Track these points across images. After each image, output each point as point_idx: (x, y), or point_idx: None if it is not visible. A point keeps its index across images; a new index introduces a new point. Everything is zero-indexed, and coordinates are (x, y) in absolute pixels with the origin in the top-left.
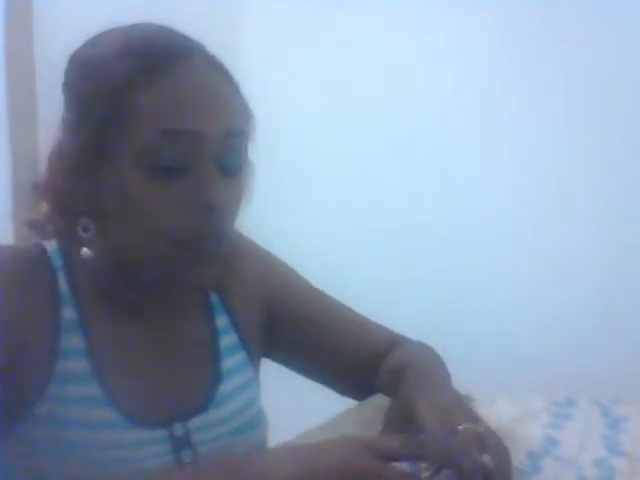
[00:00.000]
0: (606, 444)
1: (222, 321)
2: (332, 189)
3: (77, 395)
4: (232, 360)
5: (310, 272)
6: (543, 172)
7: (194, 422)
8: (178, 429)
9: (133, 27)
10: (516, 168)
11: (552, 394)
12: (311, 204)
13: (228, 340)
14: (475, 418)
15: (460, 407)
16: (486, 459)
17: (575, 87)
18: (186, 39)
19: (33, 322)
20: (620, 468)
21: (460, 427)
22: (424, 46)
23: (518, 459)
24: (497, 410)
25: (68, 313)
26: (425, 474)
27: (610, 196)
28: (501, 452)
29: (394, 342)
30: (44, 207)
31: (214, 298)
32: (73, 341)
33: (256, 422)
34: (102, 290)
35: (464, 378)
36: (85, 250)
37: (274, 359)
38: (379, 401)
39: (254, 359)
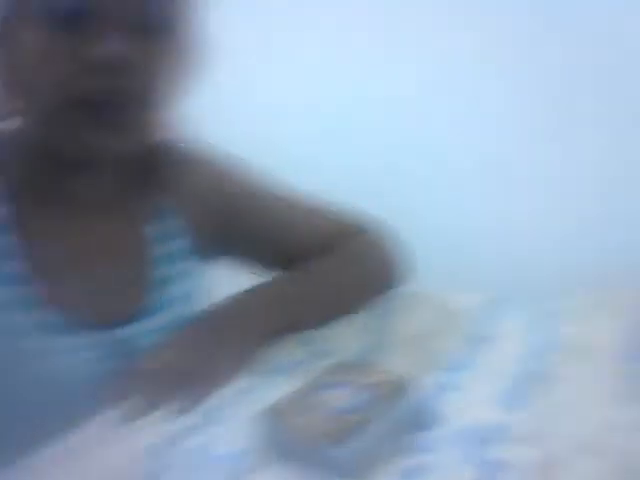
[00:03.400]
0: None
1: (172, 224)
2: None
3: (3, 298)
4: (179, 265)
5: None
6: (543, 172)
7: (133, 328)
8: (116, 334)
9: None
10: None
11: None
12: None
13: (177, 244)
14: None
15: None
16: None
17: (575, 85)
18: None
19: None
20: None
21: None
22: (425, 46)
23: None
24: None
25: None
26: None
27: (609, 196)
28: None
29: (348, 233)
30: None
31: (166, 203)
32: (2, 241)
33: None
34: (30, 180)
35: None
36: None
37: (225, 257)
38: None
39: (203, 265)
